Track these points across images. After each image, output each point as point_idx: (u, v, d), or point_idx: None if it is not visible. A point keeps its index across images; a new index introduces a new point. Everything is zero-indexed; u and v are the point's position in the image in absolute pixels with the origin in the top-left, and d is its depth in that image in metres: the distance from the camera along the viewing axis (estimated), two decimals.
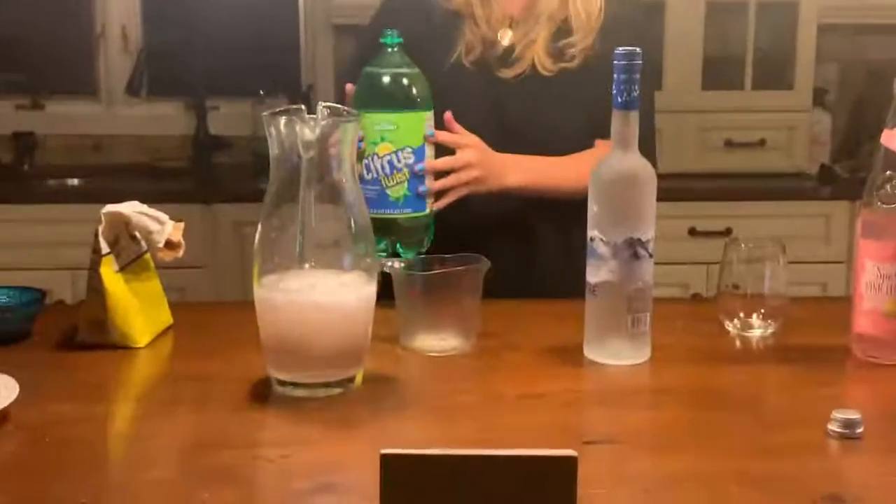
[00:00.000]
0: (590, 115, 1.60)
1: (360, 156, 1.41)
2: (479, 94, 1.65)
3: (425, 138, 1.45)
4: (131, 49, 3.59)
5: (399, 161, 1.43)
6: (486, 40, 1.66)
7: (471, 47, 1.66)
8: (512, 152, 1.60)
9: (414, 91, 1.44)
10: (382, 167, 1.43)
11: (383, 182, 1.43)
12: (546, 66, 1.64)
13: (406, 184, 1.44)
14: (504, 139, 1.61)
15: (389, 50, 1.44)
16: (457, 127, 1.53)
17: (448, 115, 1.52)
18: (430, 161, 1.46)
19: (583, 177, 1.31)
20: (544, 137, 1.64)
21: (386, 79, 1.43)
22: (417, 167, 1.44)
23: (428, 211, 1.48)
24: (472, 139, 1.54)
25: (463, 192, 1.52)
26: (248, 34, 3.63)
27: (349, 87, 1.48)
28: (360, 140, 1.40)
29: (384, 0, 1.80)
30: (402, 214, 1.45)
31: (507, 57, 1.65)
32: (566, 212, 1.56)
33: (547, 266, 1.70)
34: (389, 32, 1.45)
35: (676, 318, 1.46)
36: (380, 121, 1.41)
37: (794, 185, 3.25)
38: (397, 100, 1.43)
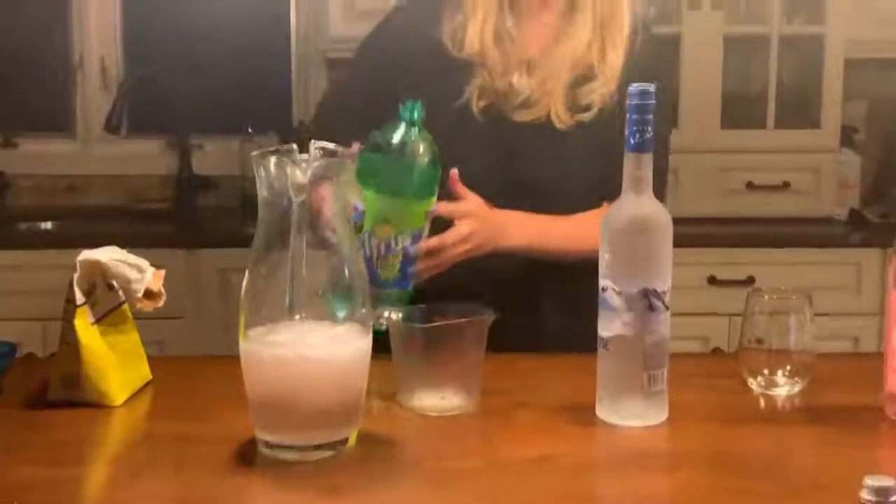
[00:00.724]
0: (603, 173, 1.62)
1: (357, 228, 1.41)
2: (487, 140, 1.67)
3: (426, 215, 1.47)
4: (110, 83, 3.62)
5: (397, 244, 1.44)
6: (499, 88, 1.67)
7: (482, 93, 1.67)
8: (517, 203, 1.63)
9: (427, 180, 1.45)
10: (378, 247, 1.44)
11: (376, 262, 1.45)
12: (562, 118, 1.66)
13: (398, 265, 1.45)
14: (510, 190, 1.64)
15: (408, 127, 1.43)
16: (459, 188, 1.54)
17: (454, 174, 1.53)
18: (425, 241, 1.48)
19: (589, 238, 1.35)
20: (553, 191, 1.67)
21: (400, 168, 1.42)
22: (412, 249, 1.46)
23: (411, 288, 1.49)
24: (472, 205, 1.54)
25: (455, 260, 1.54)
26: (236, 67, 3.66)
27: (355, 148, 1.44)
28: (358, 211, 1.41)
29: (379, 27, 1.79)
30: (386, 291, 1.46)
31: (522, 104, 1.67)
32: (575, 262, 1.57)
33: (555, 317, 1.71)
34: (410, 104, 1.43)
35: (695, 374, 1.45)
36: (385, 205, 1.42)
37: (822, 230, 3.26)
38: (408, 190, 1.43)
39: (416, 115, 1.43)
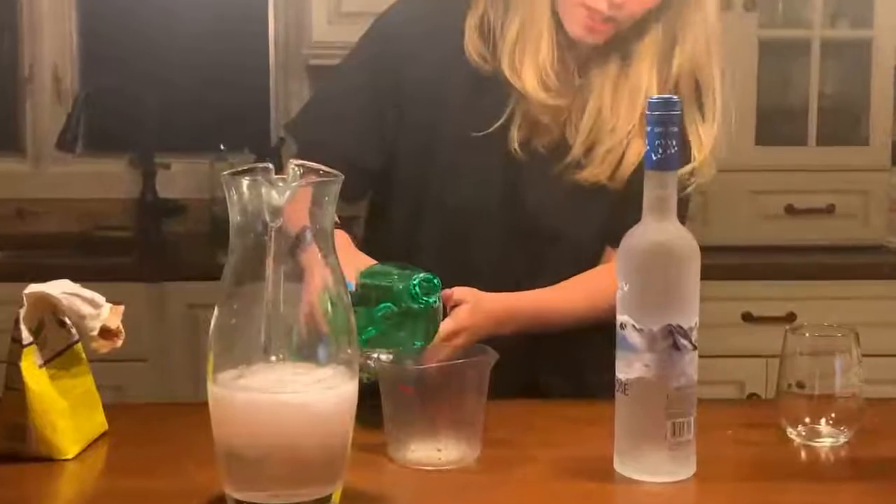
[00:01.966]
0: (610, 214, 1.65)
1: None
2: (496, 174, 1.69)
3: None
4: (65, 96, 3.63)
5: (384, 356, 1.42)
6: (541, 126, 1.67)
7: (524, 123, 1.66)
8: (518, 244, 1.68)
9: (432, 333, 1.44)
10: (363, 359, 1.43)
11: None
12: (594, 177, 1.67)
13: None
14: (513, 228, 1.68)
15: (420, 305, 1.42)
16: (450, 296, 1.54)
17: (446, 294, 1.52)
18: None
19: (592, 306, 1.47)
20: (559, 235, 1.70)
21: (404, 331, 1.42)
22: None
23: None
24: (461, 293, 1.55)
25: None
26: (206, 77, 3.68)
27: (352, 281, 1.43)
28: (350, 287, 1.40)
29: (391, 10, 1.76)
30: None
31: (569, 164, 1.67)
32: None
33: (567, 357, 1.72)
34: (426, 282, 1.41)
35: (728, 423, 1.45)
36: (378, 345, 1.41)
37: (870, 260, 3.27)
38: (408, 345, 1.42)
39: (432, 301, 1.42)
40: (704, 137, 1.67)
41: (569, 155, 1.66)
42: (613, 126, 1.66)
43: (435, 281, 1.42)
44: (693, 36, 1.64)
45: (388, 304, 1.41)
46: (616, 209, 1.65)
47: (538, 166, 1.67)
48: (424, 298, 1.40)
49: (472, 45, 1.66)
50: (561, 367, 1.72)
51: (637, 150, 1.64)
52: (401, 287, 1.41)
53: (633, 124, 1.65)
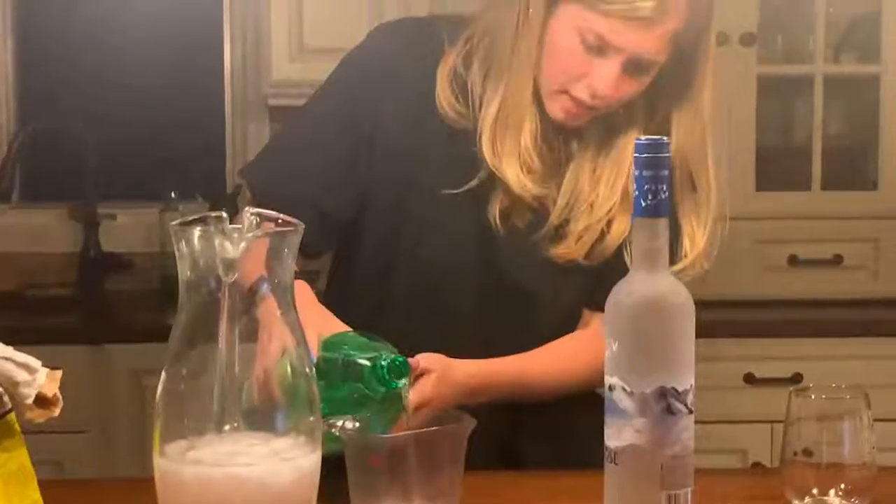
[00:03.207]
0: (600, 277, 1.65)
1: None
2: (471, 231, 1.70)
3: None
4: None
5: (349, 424, 1.41)
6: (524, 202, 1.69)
7: (502, 202, 1.68)
8: (492, 303, 1.70)
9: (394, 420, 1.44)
10: (326, 427, 1.42)
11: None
12: (568, 254, 1.69)
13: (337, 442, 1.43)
14: (487, 287, 1.70)
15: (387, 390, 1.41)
16: (415, 365, 1.54)
17: (411, 362, 1.51)
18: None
19: (571, 373, 1.56)
20: (536, 296, 1.72)
21: (366, 411, 1.41)
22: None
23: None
24: (428, 364, 1.55)
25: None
26: (156, 119, 3.68)
27: (316, 353, 1.42)
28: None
29: (355, 61, 1.78)
30: None
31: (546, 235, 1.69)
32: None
33: (548, 422, 1.72)
34: (396, 365, 1.40)
35: (729, 495, 1.46)
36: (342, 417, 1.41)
37: (881, 315, 3.29)
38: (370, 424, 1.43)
39: (399, 384, 1.41)
40: (698, 235, 1.69)
41: (543, 228, 1.68)
42: (592, 203, 1.67)
43: (405, 364, 1.41)
44: (687, 127, 1.67)
45: (353, 385, 1.40)
46: (598, 271, 1.66)
47: (515, 234, 1.69)
48: (394, 382, 1.39)
49: (444, 97, 1.68)
50: (540, 434, 1.72)
51: (621, 227, 1.66)
52: (368, 369, 1.40)
53: (614, 201, 1.66)
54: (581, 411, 1.64)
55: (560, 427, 1.71)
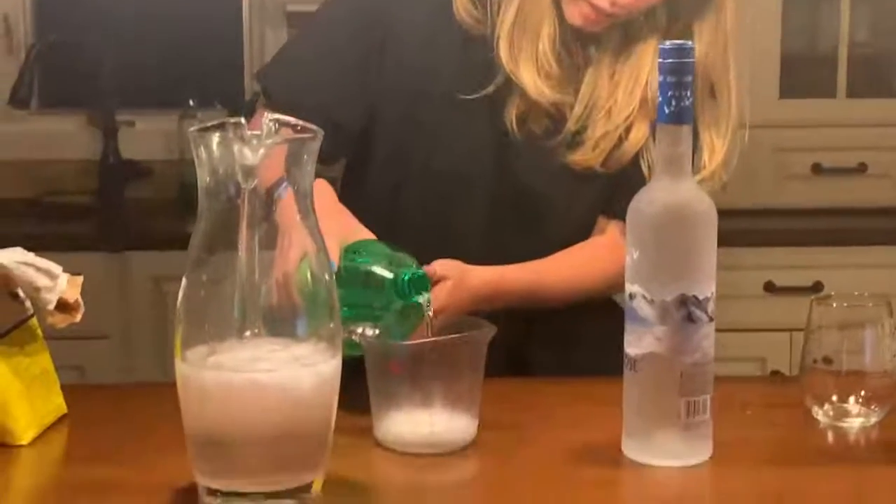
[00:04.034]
0: (618, 185, 1.65)
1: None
2: (486, 139, 1.69)
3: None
4: (17, 47, 3.61)
5: (370, 331, 1.41)
6: (541, 108, 1.67)
7: (518, 107, 1.66)
8: (507, 212, 1.69)
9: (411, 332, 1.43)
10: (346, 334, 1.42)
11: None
12: (585, 162, 1.67)
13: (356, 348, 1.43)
14: (502, 196, 1.69)
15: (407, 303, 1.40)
16: (432, 272, 1.53)
17: (427, 269, 1.50)
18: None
19: (587, 279, 1.56)
20: (551, 204, 1.71)
21: (384, 322, 1.40)
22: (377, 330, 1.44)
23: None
24: (445, 271, 1.54)
25: None
26: (174, 27, 3.66)
27: (336, 261, 1.40)
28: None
29: None
30: None
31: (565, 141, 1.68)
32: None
33: (561, 331, 1.72)
34: (419, 279, 1.39)
35: (747, 403, 1.46)
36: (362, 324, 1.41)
37: None
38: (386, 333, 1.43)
39: (422, 301, 1.40)
40: (717, 146, 1.67)
41: (560, 134, 1.67)
42: (609, 109, 1.66)
43: (426, 279, 1.41)
44: (709, 37, 1.64)
45: (374, 295, 1.40)
46: (614, 178, 1.65)
47: (532, 140, 1.68)
48: (415, 297, 1.39)
49: (460, 2, 1.66)
50: (549, 341, 1.73)
51: (640, 134, 1.64)
52: (390, 281, 1.40)
53: (633, 107, 1.65)
54: (590, 319, 1.65)
55: (569, 335, 1.71)
